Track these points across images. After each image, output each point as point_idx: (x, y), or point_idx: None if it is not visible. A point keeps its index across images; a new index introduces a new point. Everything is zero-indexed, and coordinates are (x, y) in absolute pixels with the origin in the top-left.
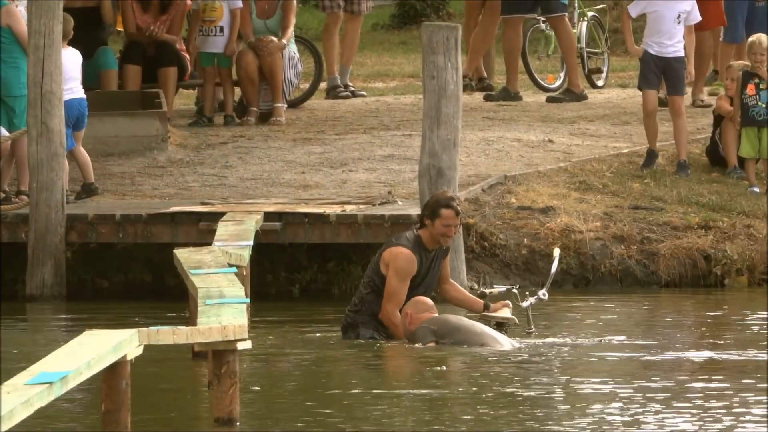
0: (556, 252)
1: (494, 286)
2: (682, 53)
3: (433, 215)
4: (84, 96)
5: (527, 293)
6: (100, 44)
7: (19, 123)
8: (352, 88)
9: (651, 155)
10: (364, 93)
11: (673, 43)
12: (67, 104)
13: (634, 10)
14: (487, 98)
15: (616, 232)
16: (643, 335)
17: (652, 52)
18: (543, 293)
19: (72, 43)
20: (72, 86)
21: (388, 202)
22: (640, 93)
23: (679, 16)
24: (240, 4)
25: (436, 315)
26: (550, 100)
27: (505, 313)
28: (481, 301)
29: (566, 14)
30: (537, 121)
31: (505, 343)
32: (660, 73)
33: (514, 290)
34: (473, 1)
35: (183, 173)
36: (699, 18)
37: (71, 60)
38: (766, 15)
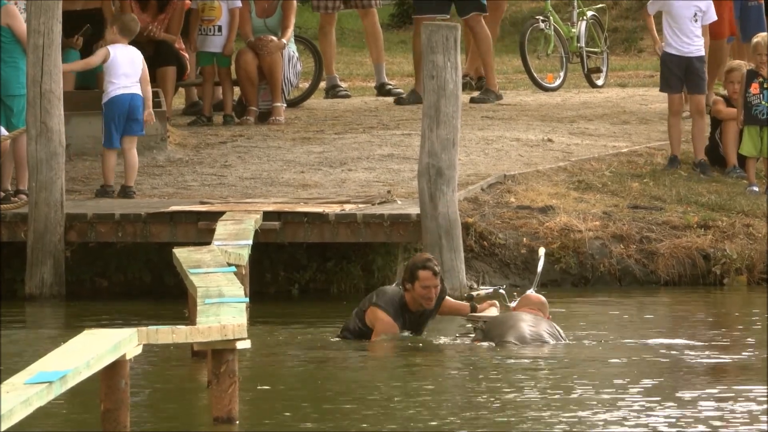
0: (542, 251)
1: (481, 287)
2: (703, 52)
3: (412, 278)
4: (138, 93)
5: (515, 293)
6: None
7: (17, 122)
8: (389, 87)
9: (673, 162)
10: (401, 90)
11: (693, 41)
12: (116, 99)
13: (651, 8)
14: (397, 102)
15: (616, 231)
16: (643, 335)
17: (673, 51)
18: (531, 292)
19: None
20: (123, 82)
21: (387, 201)
22: (640, 93)
23: (695, 15)
24: (239, 4)
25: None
26: (473, 101)
27: (492, 312)
28: (468, 305)
29: (484, 14)
30: (536, 121)
31: (529, 341)
32: (682, 74)
33: (501, 290)
34: None
35: (182, 172)
36: (715, 17)
37: (128, 57)
38: (758, 14)
